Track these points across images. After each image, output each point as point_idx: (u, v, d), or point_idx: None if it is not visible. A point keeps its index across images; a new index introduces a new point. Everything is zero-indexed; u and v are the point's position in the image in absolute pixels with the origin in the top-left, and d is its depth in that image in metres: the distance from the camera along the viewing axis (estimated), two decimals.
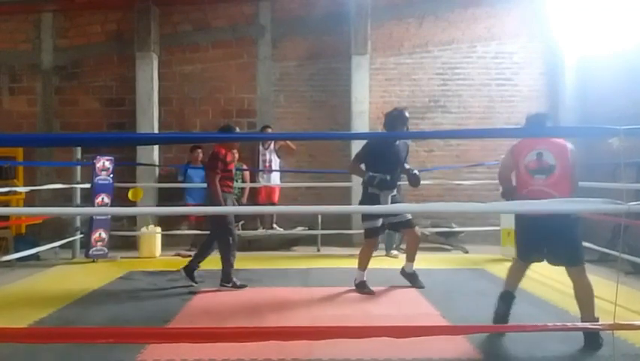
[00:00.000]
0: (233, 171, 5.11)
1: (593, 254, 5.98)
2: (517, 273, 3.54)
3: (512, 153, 3.49)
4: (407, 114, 4.75)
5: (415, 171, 4.76)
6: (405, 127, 4.69)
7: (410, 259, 4.92)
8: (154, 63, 7.87)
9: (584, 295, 3.20)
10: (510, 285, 3.53)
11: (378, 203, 4.57)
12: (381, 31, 8.05)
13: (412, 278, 4.90)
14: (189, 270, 5.00)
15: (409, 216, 4.77)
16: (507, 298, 3.48)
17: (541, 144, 3.35)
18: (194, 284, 4.95)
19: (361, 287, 4.72)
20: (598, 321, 3.10)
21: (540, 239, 3.30)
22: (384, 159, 4.61)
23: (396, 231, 4.94)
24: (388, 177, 4.56)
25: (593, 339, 3.13)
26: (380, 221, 4.69)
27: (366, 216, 4.73)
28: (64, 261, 6.29)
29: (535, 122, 3.59)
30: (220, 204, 4.69)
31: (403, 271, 4.95)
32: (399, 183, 5.00)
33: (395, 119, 4.68)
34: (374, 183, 4.56)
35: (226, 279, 4.88)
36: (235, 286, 4.86)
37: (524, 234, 3.44)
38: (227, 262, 4.89)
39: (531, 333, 3.29)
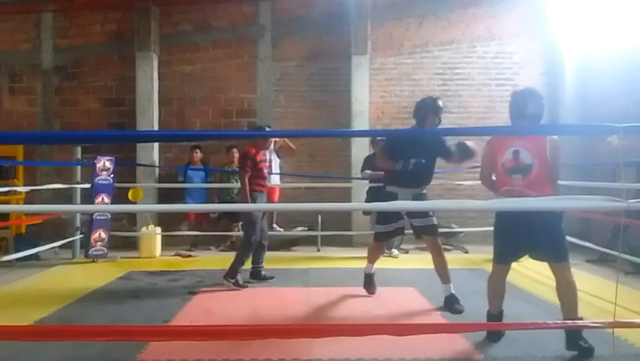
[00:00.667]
0: (265, 170, 5.09)
1: (593, 254, 5.99)
2: (499, 284, 3.35)
3: (492, 149, 3.34)
4: (441, 104, 4.25)
5: (465, 142, 4.04)
6: (437, 118, 4.17)
7: (445, 279, 4.19)
8: (154, 63, 7.88)
9: (567, 293, 3.10)
10: (495, 305, 3.35)
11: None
12: (381, 31, 8.05)
13: (449, 302, 4.10)
14: (255, 274, 5.13)
15: (435, 221, 4.24)
16: (497, 319, 3.33)
17: (517, 141, 3.22)
18: (269, 279, 5.15)
19: (368, 281, 4.57)
20: (581, 318, 3.03)
21: (523, 236, 3.15)
22: (407, 153, 4.12)
23: (418, 237, 4.34)
24: (423, 161, 4.11)
25: (574, 340, 3.02)
26: (393, 226, 4.30)
27: (380, 219, 4.39)
28: (64, 261, 6.29)
29: (519, 103, 3.32)
30: (247, 203, 4.78)
31: (445, 299, 4.16)
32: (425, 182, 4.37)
33: (427, 107, 4.20)
34: (409, 169, 4.08)
35: (231, 274, 4.89)
36: (237, 285, 4.87)
37: (506, 233, 3.27)
38: (239, 258, 4.93)
39: (531, 332, 3.28)
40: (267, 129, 7.40)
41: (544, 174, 3.15)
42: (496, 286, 3.36)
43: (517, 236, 3.17)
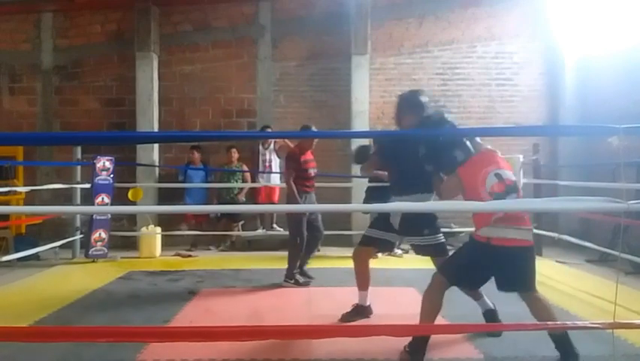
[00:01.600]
0: (311, 171, 5.06)
1: (593, 254, 5.99)
2: (438, 306, 3.01)
3: (462, 181, 3.01)
4: (423, 99, 3.57)
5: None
6: (417, 116, 3.44)
7: (478, 296, 3.53)
8: (154, 63, 7.87)
9: (544, 317, 2.87)
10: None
11: (387, 214, 3.58)
12: (381, 31, 8.05)
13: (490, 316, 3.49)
14: (301, 272, 5.12)
15: (439, 239, 3.47)
16: (419, 347, 3.00)
17: (491, 165, 3.00)
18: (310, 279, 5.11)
19: (359, 311, 3.80)
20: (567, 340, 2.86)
21: (489, 268, 2.95)
22: (395, 158, 3.57)
23: (422, 254, 3.57)
24: (413, 165, 3.36)
25: (564, 349, 2.88)
26: (380, 233, 3.67)
27: (373, 223, 3.80)
28: (64, 261, 6.28)
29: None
30: (297, 203, 4.80)
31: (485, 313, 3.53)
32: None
33: (404, 103, 3.60)
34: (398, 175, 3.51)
35: (289, 275, 4.97)
36: (297, 284, 4.95)
37: (470, 262, 2.99)
38: (291, 259, 5.00)
39: (531, 333, 3.28)
40: (269, 131, 7.50)
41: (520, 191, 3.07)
42: (435, 304, 3.01)
43: (484, 265, 2.95)
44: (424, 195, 3.42)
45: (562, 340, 2.89)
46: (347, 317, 3.79)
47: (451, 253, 3.36)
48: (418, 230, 3.42)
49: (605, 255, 5.76)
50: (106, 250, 6.38)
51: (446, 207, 2.75)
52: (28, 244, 6.20)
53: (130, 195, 6.65)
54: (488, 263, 2.95)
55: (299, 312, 4.16)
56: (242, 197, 7.40)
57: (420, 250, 3.53)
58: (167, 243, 7.14)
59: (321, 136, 7.55)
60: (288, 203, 4.99)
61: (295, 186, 4.89)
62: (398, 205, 3.26)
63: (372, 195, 6.08)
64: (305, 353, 3.10)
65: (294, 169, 4.91)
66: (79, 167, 6.69)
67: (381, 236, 3.67)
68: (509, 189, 2.93)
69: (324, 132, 7.52)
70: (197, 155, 7.46)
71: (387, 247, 3.85)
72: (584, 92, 7.60)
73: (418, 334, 3.01)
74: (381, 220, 3.67)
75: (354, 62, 7.76)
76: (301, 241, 4.96)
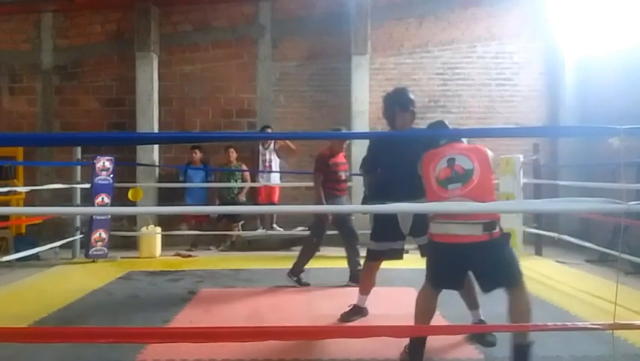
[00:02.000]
0: (341, 173, 5.00)
1: (593, 254, 5.99)
2: (428, 309, 2.92)
3: (421, 165, 2.94)
4: (411, 96, 3.52)
5: None
6: (408, 113, 3.45)
7: (473, 305, 3.43)
8: (154, 63, 7.87)
9: (520, 312, 2.70)
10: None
11: (395, 219, 3.43)
12: (381, 31, 8.05)
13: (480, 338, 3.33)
14: (353, 276, 4.89)
15: None
16: (417, 348, 2.90)
17: (455, 150, 2.84)
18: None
19: (356, 311, 3.84)
20: (529, 343, 2.68)
21: (463, 268, 2.84)
22: (388, 159, 3.50)
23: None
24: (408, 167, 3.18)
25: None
26: (387, 245, 3.59)
27: (374, 233, 3.67)
28: (64, 261, 6.28)
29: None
30: (321, 203, 4.76)
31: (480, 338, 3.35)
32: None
33: (394, 102, 3.50)
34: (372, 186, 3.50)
35: (294, 271, 4.96)
36: (299, 283, 4.94)
37: (442, 262, 2.87)
38: (302, 258, 4.99)
39: (531, 333, 3.27)
40: (269, 131, 7.49)
41: (486, 181, 2.76)
42: (426, 307, 2.92)
43: (457, 266, 2.82)
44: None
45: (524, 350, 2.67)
46: (345, 316, 3.82)
47: None
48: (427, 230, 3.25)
49: (605, 255, 5.76)
50: (106, 250, 6.37)
51: (446, 207, 2.74)
52: (28, 244, 6.19)
53: (130, 195, 6.65)
54: (440, 262, 2.84)
55: (299, 312, 4.16)
56: (242, 197, 7.41)
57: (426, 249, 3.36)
58: (167, 243, 7.13)
59: (318, 138, 7.54)
60: (315, 204, 4.91)
61: (325, 188, 4.83)
62: (397, 206, 2.90)
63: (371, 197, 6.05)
64: (305, 354, 3.10)
65: (322, 171, 4.85)
66: (79, 167, 6.69)
67: (389, 247, 3.60)
68: (456, 177, 2.73)
69: (322, 133, 7.52)
70: (197, 155, 7.46)
71: (397, 255, 3.67)
72: (584, 92, 7.60)
73: (418, 335, 3.01)
74: (387, 230, 3.53)
75: (354, 62, 7.76)
76: (318, 242, 4.95)
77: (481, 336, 3.29)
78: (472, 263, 2.79)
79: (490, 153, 2.86)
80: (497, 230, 2.73)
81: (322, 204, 4.78)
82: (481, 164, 2.77)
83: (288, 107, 8.15)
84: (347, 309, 3.87)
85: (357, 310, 3.87)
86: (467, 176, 2.73)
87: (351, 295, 4.60)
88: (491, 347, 3.21)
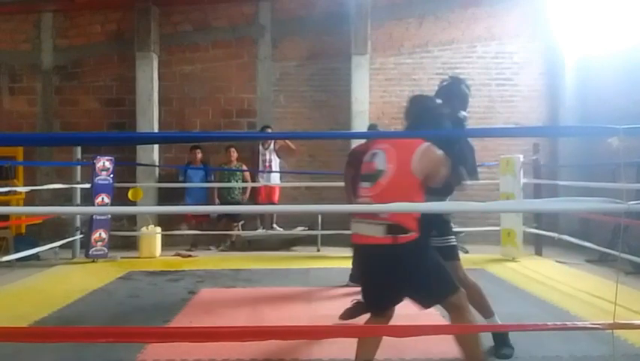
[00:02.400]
0: None
1: (593, 254, 5.99)
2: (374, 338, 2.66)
3: (356, 156, 2.78)
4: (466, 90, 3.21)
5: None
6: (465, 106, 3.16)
7: (487, 313, 3.13)
8: (154, 63, 7.87)
9: (458, 337, 2.49)
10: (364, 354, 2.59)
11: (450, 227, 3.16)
12: (381, 31, 8.05)
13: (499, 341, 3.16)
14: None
15: (453, 242, 3.15)
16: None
17: (383, 144, 2.55)
18: None
19: (357, 310, 3.74)
20: None
21: (375, 274, 2.53)
22: None
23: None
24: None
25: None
26: None
27: None
28: (64, 261, 6.28)
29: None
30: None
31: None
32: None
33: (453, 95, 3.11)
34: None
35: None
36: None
37: (358, 265, 2.66)
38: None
39: (531, 333, 3.28)
40: (269, 131, 7.50)
41: (400, 185, 2.40)
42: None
43: (381, 287, 2.54)
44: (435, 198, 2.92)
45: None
46: (349, 312, 3.77)
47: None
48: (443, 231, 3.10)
49: (605, 255, 5.76)
50: (106, 250, 6.37)
51: (444, 207, 2.73)
52: (28, 244, 6.19)
53: (130, 195, 6.65)
54: (358, 265, 2.66)
55: (299, 312, 4.16)
56: (246, 197, 7.42)
57: (441, 252, 3.04)
58: (167, 243, 7.13)
59: (319, 137, 7.55)
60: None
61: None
62: (397, 206, 2.63)
63: None
64: (305, 353, 3.10)
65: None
66: (79, 167, 6.68)
67: None
68: (368, 176, 2.50)
69: (322, 133, 7.53)
70: (198, 155, 7.46)
71: None
72: (584, 92, 7.60)
73: (417, 335, 3.00)
74: None
75: (354, 62, 7.76)
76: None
77: (498, 347, 3.12)
78: (380, 269, 2.46)
79: (420, 150, 2.42)
80: (409, 235, 2.37)
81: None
82: (400, 165, 2.42)
83: (288, 107, 8.15)
84: (350, 305, 3.84)
85: (361, 307, 3.80)
86: (375, 177, 2.46)
87: (351, 295, 4.61)
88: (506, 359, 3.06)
